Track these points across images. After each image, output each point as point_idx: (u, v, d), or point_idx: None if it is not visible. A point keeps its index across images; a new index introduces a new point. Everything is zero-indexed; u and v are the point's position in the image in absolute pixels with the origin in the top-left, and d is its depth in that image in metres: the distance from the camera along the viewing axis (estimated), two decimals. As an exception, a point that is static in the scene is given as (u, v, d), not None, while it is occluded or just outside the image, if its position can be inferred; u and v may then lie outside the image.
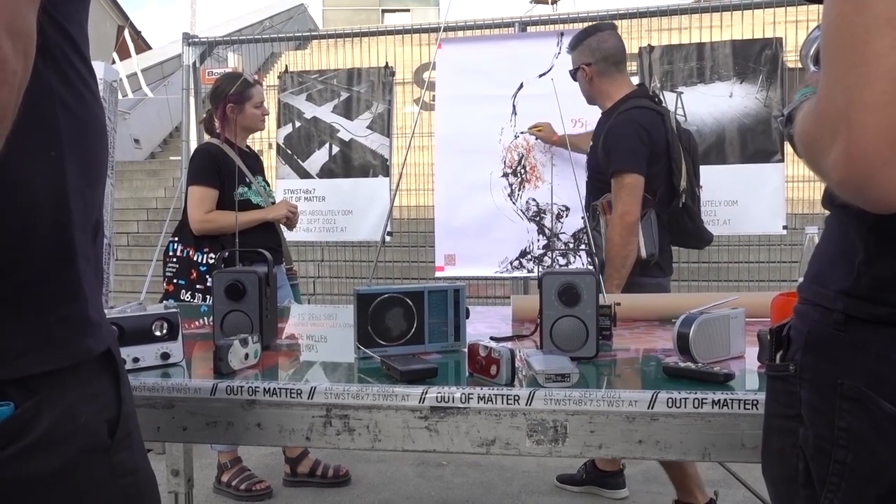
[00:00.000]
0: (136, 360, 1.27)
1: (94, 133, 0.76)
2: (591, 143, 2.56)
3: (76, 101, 0.72)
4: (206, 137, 2.96)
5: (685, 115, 3.70)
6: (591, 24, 2.54)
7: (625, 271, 2.32)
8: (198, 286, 2.69)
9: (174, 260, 2.74)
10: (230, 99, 2.78)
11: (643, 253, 2.32)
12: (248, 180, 2.80)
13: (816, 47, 1.05)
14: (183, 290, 2.70)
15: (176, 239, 2.77)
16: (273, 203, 2.90)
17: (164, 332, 1.31)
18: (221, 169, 2.72)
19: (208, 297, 2.65)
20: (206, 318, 1.91)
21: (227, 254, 1.60)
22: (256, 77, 3.09)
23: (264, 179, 2.96)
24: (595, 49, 2.46)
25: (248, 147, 2.99)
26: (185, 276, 2.71)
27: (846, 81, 0.61)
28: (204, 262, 2.71)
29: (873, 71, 0.59)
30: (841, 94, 0.61)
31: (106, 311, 1.49)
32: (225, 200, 2.71)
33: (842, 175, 0.62)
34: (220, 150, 2.78)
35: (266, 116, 2.94)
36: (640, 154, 2.32)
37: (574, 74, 2.55)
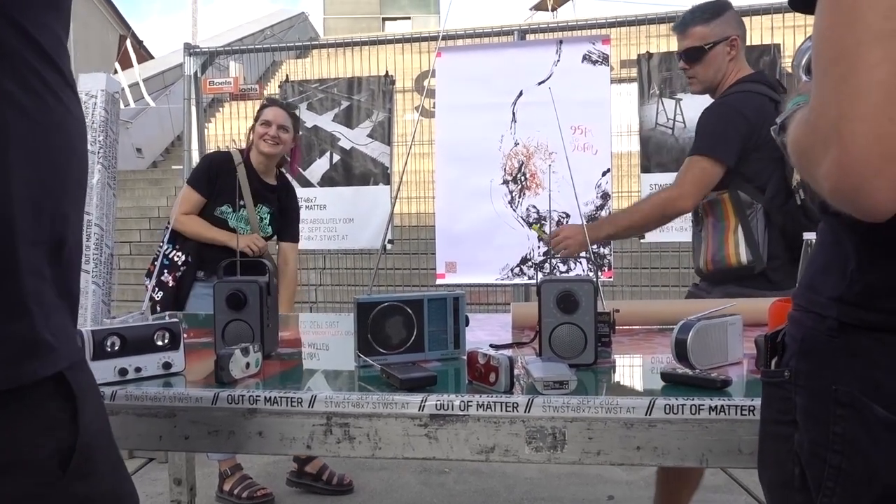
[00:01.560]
0: (137, 369, 1.28)
1: (62, 143, 0.72)
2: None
3: (37, 106, 0.69)
4: (217, 147, 2.99)
5: (684, 122, 3.72)
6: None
7: (627, 233, 2.27)
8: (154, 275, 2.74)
9: (160, 246, 2.83)
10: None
11: (743, 259, 2.03)
12: (240, 203, 2.76)
13: (808, 57, 1.06)
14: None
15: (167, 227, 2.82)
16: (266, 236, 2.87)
17: (166, 341, 1.32)
18: (216, 180, 2.75)
19: (157, 289, 2.72)
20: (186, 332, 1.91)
21: (225, 262, 1.61)
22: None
23: (273, 210, 2.87)
24: (740, 22, 2.13)
25: (277, 177, 2.92)
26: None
27: (837, 93, 0.62)
28: (169, 255, 2.76)
29: (864, 83, 0.60)
30: (832, 106, 0.63)
31: (108, 321, 1.50)
32: (205, 211, 2.76)
33: (833, 184, 0.63)
34: (226, 161, 2.80)
35: (272, 139, 2.78)
36: (726, 140, 2.01)
37: (705, 51, 2.12)
